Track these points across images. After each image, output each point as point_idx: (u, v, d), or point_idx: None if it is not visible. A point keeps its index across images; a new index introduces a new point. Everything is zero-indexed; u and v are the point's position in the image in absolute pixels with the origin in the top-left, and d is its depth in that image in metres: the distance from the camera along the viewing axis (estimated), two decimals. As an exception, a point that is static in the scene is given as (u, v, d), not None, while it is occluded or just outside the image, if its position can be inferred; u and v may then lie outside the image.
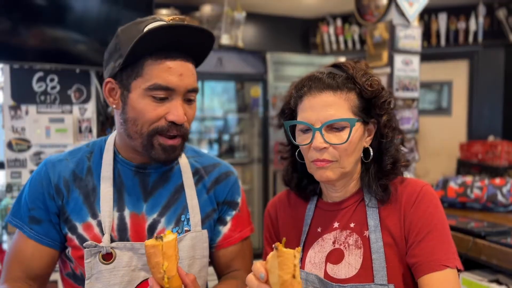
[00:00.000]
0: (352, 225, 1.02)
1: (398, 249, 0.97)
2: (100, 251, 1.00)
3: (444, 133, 4.99)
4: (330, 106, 0.98)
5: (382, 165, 1.03)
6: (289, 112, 1.07)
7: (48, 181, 1.06)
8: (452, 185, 2.38)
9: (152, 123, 0.99)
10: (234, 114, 4.58)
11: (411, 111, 2.85)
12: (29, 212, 1.06)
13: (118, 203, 1.06)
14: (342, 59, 4.64)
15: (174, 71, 0.98)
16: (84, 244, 1.01)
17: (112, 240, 1.02)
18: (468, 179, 2.38)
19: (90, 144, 1.16)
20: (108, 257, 1.00)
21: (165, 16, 3.86)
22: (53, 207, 1.05)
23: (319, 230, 1.06)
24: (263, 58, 4.17)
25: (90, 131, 2.31)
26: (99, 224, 1.04)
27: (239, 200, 1.19)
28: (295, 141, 1.04)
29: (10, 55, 2.10)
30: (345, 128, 0.98)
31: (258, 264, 0.79)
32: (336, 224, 1.04)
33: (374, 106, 1.02)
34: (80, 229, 1.04)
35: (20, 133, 2.19)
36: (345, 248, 1.00)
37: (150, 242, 0.88)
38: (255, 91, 4.33)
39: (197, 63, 1.07)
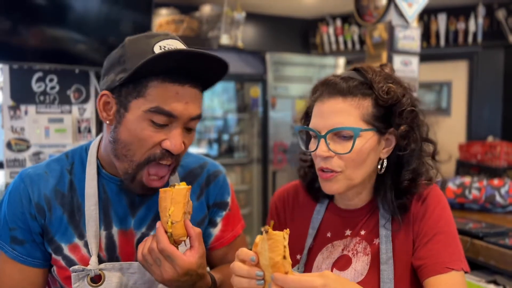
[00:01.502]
0: (362, 232, 1.01)
1: (407, 259, 0.96)
2: (88, 274, 0.96)
3: (443, 133, 4.99)
4: (337, 113, 0.93)
5: (399, 180, 0.97)
6: (309, 115, 1.02)
7: (28, 199, 0.98)
8: (451, 186, 2.38)
9: (147, 150, 0.92)
10: (234, 114, 4.59)
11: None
12: (10, 232, 0.98)
13: (105, 221, 1.01)
14: (342, 59, 4.65)
15: (181, 98, 0.90)
16: (71, 269, 0.96)
17: (100, 260, 0.98)
18: (467, 180, 2.39)
19: (69, 154, 1.07)
20: (97, 279, 0.97)
21: (165, 15, 3.87)
22: (35, 227, 0.98)
23: (328, 235, 1.04)
24: (263, 58, 4.17)
25: (89, 131, 2.32)
26: (87, 245, 0.98)
27: (229, 199, 1.15)
28: (307, 146, 1.00)
29: (9, 55, 2.10)
30: (352, 137, 0.92)
31: (245, 250, 0.78)
32: (348, 232, 1.02)
33: (393, 114, 0.95)
34: (66, 250, 0.99)
35: (19, 133, 2.19)
36: (353, 255, 0.99)
37: (163, 188, 0.91)
38: (255, 91, 4.34)
39: (204, 88, 0.99)
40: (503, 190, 2.27)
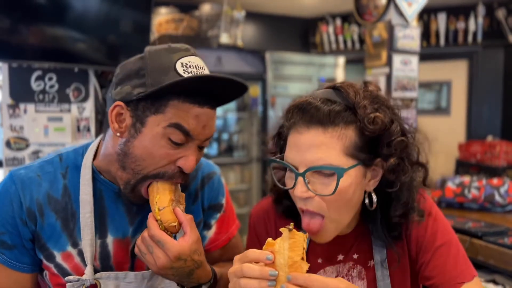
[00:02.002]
0: (355, 256, 0.95)
1: (405, 281, 0.93)
2: (84, 284, 0.94)
3: (443, 133, 4.99)
4: (317, 147, 0.80)
5: (389, 215, 0.88)
6: (284, 138, 0.91)
7: (19, 204, 0.94)
8: (450, 185, 2.38)
9: (160, 167, 0.91)
10: (233, 113, 4.59)
11: (409, 111, 2.85)
12: None
13: (100, 229, 0.97)
14: (342, 59, 4.64)
15: (200, 120, 0.90)
16: (65, 279, 0.94)
17: (94, 269, 0.95)
18: (466, 179, 2.39)
19: (63, 156, 1.02)
20: None
21: (165, 14, 3.86)
22: (26, 233, 0.95)
23: (319, 261, 0.97)
24: (263, 57, 4.17)
25: (89, 130, 2.31)
26: (80, 253, 0.96)
27: (223, 200, 1.12)
28: (281, 180, 0.90)
29: (8, 54, 2.10)
30: (335, 174, 0.80)
31: (257, 250, 0.74)
32: (340, 257, 0.95)
33: (380, 144, 0.83)
34: (59, 258, 0.96)
35: (18, 132, 2.19)
36: (349, 280, 0.94)
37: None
38: (254, 90, 4.33)
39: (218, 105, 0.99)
40: (502, 190, 2.27)
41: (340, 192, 0.81)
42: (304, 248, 0.74)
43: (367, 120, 0.80)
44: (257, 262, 0.75)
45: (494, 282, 1.82)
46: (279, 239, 0.75)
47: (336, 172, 0.80)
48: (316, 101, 0.83)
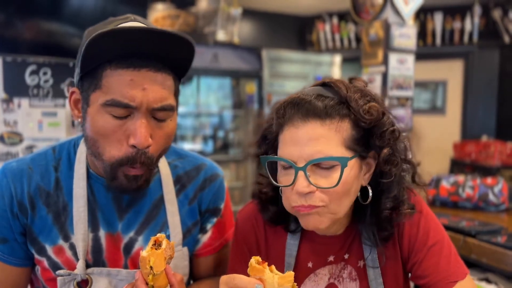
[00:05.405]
0: (346, 256, 0.93)
1: (397, 279, 0.92)
2: (75, 279, 0.91)
3: (438, 132, 5.01)
4: (316, 140, 0.79)
5: (379, 209, 0.87)
6: (271, 140, 0.88)
7: (10, 197, 0.92)
8: (444, 184, 2.39)
9: (117, 151, 0.84)
10: (230, 110, 4.58)
11: (405, 109, 2.86)
12: None
13: (92, 223, 0.95)
14: (338, 57, 4.65)
15: (137, 84, 0.80)
16: (56, 273, 0.92)
17: (86, 263, 0.93)
18: (460, 178, 2.40)
19: (56, 148, 1.00)
20: (83, 284, 0.92)
21: (161, 10, 3.84)
22: (17, 227, 0.93)
23: (310, 265, 0.94)
24: (259, 54, 4.17)
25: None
26: (72, 247, 0.93)
27: (222, 205, 1.08)
28: (276, 180, 0.86)
29: (3, 48, 2.09)
30: (335, 166, 0.80)
31: (245, 278, 0.71)
32: (331, 258, 0.93)
33: (373, 136, 0.83)
34: (50, 252, 0.94)
35: (12, 127, 2.18)
36: (340, 282, 0.93)
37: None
38: (251, 87, 4.33)
39: (178, 75, 0.89)
40: (496, 189, 2.28)
41: (342, 183, 0.80)
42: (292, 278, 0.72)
43: (363, 111, 0.81)
44: None
45: (487, 280, 1.83)
46: (267, 269, 0.73)
47: (340, 162, 0.79)
48: (309, 97, 0.83)
